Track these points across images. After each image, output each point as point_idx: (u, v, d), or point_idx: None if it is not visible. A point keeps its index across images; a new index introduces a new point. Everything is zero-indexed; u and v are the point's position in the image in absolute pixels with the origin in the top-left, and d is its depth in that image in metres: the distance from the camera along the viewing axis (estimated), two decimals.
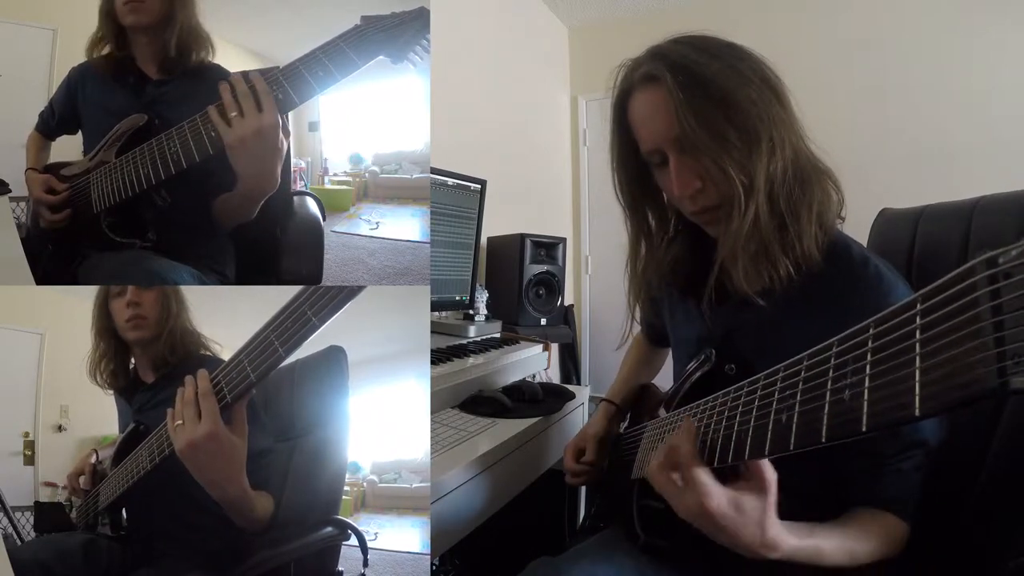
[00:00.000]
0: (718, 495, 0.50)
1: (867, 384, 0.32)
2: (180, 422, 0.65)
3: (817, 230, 0.64)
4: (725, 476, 0.52)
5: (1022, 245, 0.24)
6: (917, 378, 0.28)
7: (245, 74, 0.72)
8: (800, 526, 0.55)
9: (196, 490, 0.72)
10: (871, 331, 0.33)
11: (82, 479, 0.81)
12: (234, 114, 0.70)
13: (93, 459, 0.82)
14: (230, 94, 0.70)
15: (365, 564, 0.78)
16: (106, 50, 0.79)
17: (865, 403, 0.32)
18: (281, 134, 0.73)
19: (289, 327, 0.61)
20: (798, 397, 0.40)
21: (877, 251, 0.80)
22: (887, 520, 0.61)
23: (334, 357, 0.79)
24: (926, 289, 0.29)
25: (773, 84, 0.64)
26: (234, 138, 0.70)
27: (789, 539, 0.53)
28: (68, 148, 0.84)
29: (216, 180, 0.77)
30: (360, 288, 0.61)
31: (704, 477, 0.51)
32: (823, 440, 0.35)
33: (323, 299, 0.60)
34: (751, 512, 0.50)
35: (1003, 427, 0.68)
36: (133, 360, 0.83)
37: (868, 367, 0.32)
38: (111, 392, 0.84)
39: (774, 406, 0.43)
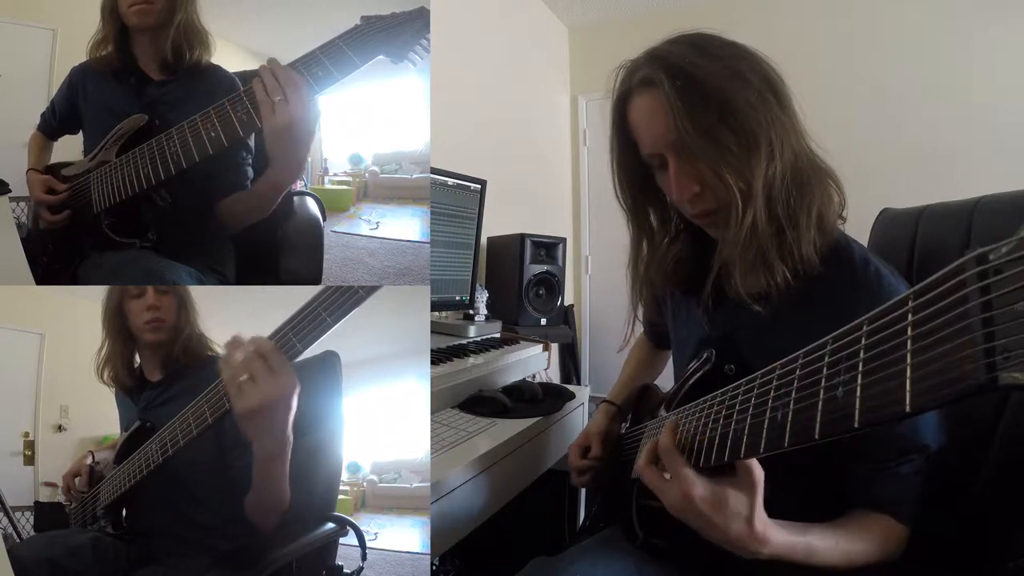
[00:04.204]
0: (702, 486, 0.52)
1: (860, 381, 0.32)
2: (247, 377, 0.63)
3: (816, 234, 0.63)
4: (723, 474, 0.52)
5: (1012, 242, 0.24)
6: (908, 374, 0.28)
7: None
8: (792, 524, 0.56)
9: (201, 488, 0.73)
10: (864, 328, 0.33)
11: (78, 480, 0.81)
12: (279, 98, 0.70)
13: (89, 460, 0.82)
14: (272, 78, 0.70)
15: (363, 558, 0.78)
16: (107, 50, 0.80)
17: (857, 400, 0.32)
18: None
19: (305, 326, 0.66)
20: (793, 395, 0.40)
21: (878, 251, 0.80)
22: (884, 522, 0.60)
23: (329, 361, 0.80)
24: (918, 286, 0.29)
25: (774, 84, 0.63)
26: (279, 123, 0.70)
27: (780, 534, 0.53)
28: (69, 148, 0.84)
29: (217, 182, 0.78)
30: (364, 294, 0.65)
31: (686, 469, 0.53)
32: (816, 437, 0.35)
33: (337, 301, 0.65)
34: (735, 507, 0.51)
35: (1003, 427, 0.68)
36: (138, 359, 0.83)
37: (861, 364, 0.32)
38: (116, 391, 0.84)
39: (770, 404, 0.43)
